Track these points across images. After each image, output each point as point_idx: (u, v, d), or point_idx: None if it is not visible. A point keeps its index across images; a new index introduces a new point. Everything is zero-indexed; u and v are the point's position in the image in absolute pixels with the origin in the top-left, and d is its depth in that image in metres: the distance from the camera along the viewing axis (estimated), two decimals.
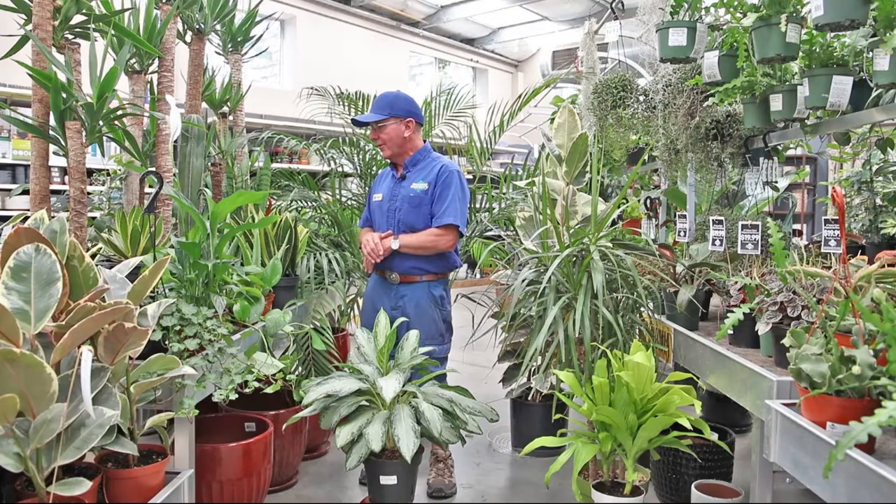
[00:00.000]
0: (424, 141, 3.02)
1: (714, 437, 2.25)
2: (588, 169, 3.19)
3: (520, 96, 4.61)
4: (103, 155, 2.91)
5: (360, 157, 4.31)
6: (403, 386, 2.38)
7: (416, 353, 2.53)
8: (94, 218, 3.23)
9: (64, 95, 2.17)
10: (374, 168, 4.24)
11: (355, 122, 3.08)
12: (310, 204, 4.28)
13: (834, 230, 2.38)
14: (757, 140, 2.96)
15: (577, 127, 3.19)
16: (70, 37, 2.35)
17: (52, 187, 2.95)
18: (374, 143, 2.97)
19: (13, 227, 1.86)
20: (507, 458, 3.48)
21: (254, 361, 2.19)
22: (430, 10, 11.39)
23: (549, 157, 3.29)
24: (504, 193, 4.43)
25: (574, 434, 2.28)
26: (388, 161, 3.05)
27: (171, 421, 2.01)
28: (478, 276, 8.78)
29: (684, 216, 3.23)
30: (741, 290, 2.34)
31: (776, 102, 2.50)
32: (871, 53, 2.06)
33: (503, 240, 4.22)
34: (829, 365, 1.49)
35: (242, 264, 2.84)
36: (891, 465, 1.31)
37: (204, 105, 3.55)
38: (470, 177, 4.69)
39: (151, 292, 1.94)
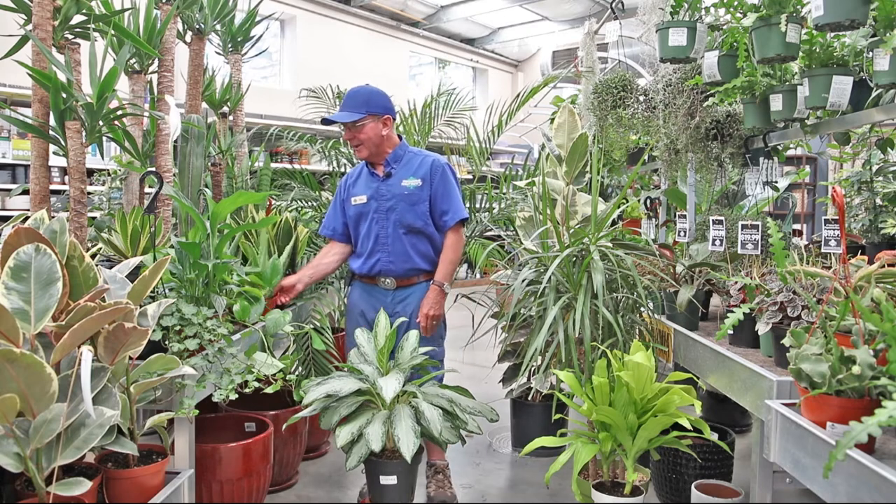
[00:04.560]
0: (400, 137, 2.90)
1: (714, 437, 2.25)
2: (588, 169, 3.19)
3: (518, 95, 4.61)
4: (103, 155, 2.92)
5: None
6: (403, 386, 2.38)
7: (416, 353, 2.53)
8: (94, 218, 3.23)
9: (64, 95, 2.17)
10: None
11: (326, 122, 2.90)
12: (310, 204, 4.28)
13: (834, 230, 2.38)
14: (757, 140, 2.96)
15: (577, 127, 3.19)
16: (70, 37, 2.35)
17: (52, 187, 2.95)
18: (350, 143, 2.83)
19: (13, 227, 1.86)
20: (507, 458, 3.48)
21: (254, 361, 2.18)
22: (430, 10, 11.39)
23: (549, 157, 3.29)
24: (504, 193, 4.44)
25: (574, 434, 2.28)
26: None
27: (171, 421, 2.01)
28: (478, 276, 8.78)
29: (684, 216, 3.23)
30: (741, 290, 2.34)
31: (776, 102, 2.50)
32: (871, 53, 2.06)
33: (503, 240, 4.22)
34: (829, 365, 1.49)
35: (244, 264, 2.84)
36: (891, 465, 1.31)
37: (204, 105, 3.55)
38: (469, 176, 4.67)
39: (151, 292, 1.94)
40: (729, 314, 1.91)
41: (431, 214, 2.82)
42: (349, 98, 2.77)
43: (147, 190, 2.91)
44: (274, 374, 2.20)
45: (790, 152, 4.22)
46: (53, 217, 1.82)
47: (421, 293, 2.82)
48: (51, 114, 2.24)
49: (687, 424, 2.06)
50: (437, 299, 2.77)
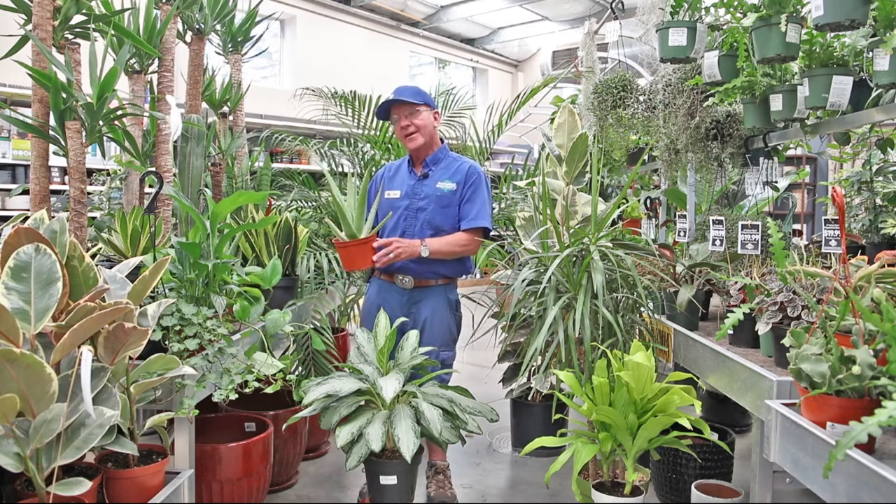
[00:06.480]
0: (442, 141, 2.94)
1: (714, 437, 2.25)
2: (588, 169, 3.19)
3: (518, 96, 4.61)
4: (103, 155, 2.90)
5: (359, 157, 4.32)
6: (403, 386, 2.38)
7: (416, 353, 2.53)
8: (94, 218, 3.23)
9: (64, 95, 2.17)
10: (374, 168, 4.24)
11: (384, 108, 2.83)
12: (310, 204, 4.28)
13: (834, 230, 2.38)
14: (757, 140, 2.96)
15: (577, 127, 3.19)
16: (70, 37, 2.35)
17: (52, 187, 2.95)
18: (405, 131, 2.78)
19: (13, 227, 1.86)
20: (507, 458, 3.48)
21: (254, 361, 2.19)
22: (430, 10, 11.40)
23: (549, 157, 3.29)
24: (504, 193, 4.44)
25: (574, 434, 2.28)
26: (409, 155, 2.88)
27: (171, 421, 2.01)
28: (478, 276, 8.78)
29: (684, 216, 3.23)
30: (741, 290, 2.34)
31: (776, 102, 2.50)
32: (871, 53, 2.06)
33: (503, 240, 4.22)
34: (829, 365, 1.49)
35: (244, 264, 2.84)
36: (891, 465, 1.31)
37: (204, 105, 3.55)
38: None
39: (151, 292, 1.94)
40: (729, 314, 1.91)
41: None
42: (404, 88, 2.83)
43: (147, 190, 2.91)
44: (274, 374, 2.20)
45: (790, 152, 4.22)
46: (53, 217, 1.82)
47: (435, 297, 2.80)
48: (51, 114, 2.24)
49: (687, 424, 2.06)
50: (410, 247, 2.63)
